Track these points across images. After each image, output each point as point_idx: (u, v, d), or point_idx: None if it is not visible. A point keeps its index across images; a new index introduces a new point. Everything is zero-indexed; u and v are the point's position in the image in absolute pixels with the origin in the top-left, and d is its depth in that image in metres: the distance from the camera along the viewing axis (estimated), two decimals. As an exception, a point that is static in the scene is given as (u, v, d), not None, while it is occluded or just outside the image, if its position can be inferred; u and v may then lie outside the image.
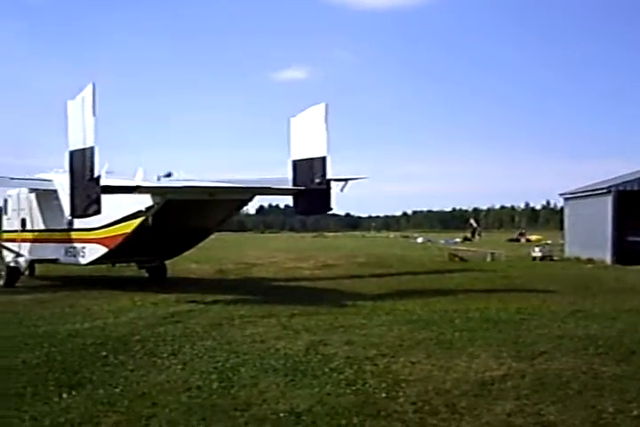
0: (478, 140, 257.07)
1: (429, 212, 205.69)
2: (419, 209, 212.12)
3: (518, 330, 11.31)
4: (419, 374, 8.18)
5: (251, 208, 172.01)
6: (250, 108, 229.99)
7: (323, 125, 16.70)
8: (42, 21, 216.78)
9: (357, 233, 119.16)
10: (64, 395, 7.28)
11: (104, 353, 9.58)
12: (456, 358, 9.05)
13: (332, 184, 17.70)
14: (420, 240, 68.42)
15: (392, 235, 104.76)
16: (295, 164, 17.23)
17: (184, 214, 17.09)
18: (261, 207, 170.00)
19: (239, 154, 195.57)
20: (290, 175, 17.37)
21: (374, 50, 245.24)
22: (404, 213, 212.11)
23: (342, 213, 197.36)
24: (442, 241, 62.30)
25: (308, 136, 16.92)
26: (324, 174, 16.70)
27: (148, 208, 16.52)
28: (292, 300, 15.97)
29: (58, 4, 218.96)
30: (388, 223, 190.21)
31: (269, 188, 18.18)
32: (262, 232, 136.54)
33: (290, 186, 17.24)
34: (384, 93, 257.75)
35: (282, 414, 6.51)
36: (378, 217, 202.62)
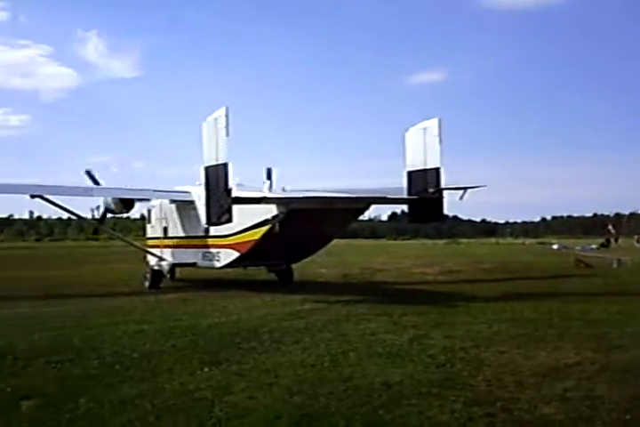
0: (620, 142, 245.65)
1: (569, 217, 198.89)
2: (558, 214, 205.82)
3: (608, 327, 12.19)
4: (501, 361, 9.42)
5: (383, 215, 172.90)
6: (385, 111, 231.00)
7: (436, 139, 17.97)
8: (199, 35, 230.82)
9: (492, 240, 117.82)
10: (205, 369, 9.09)
11: (238, 340, 11.36)
12: (540, 350, 10.17)
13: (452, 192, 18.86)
14: (555, 247, 67.40)
15: (527, 241, 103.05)
16: (410, 174, 18.57)
17: (306, 222, 18.61)
18: (394, 214, 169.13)
19: (372, 160, 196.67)
20: (405, 185, 18.69)
21: (517, 52, 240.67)
22: (543, 219, 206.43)
23: (478, 219, 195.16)
24: (578, 247, 61.18)
25: (422, 148, 18.20)
26: (437, 185, 17.93)
27: (274, 217, 18.35)
28: (408, 301, 17.27)
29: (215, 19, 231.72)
30: (526, 229, 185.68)
31: (384, 197, 19.54)
32: (395, 239, 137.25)
33: (404, 195, 18.55)
34: (524, 96, 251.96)
35: (376, 385, 8.02)
36: (515, 223, 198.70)
